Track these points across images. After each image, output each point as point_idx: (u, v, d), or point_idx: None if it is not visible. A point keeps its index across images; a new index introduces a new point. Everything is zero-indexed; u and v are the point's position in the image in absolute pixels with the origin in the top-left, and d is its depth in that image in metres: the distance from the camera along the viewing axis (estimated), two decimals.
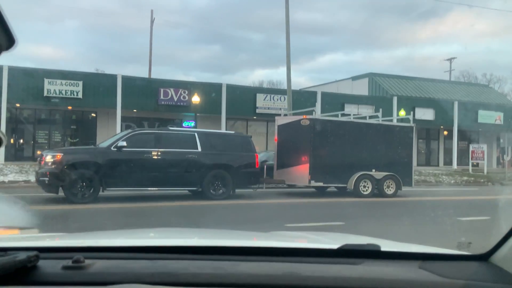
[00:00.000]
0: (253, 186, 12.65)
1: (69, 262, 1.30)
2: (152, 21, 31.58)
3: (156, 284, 1.22)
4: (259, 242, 1.86)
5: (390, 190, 13.81)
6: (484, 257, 1.42)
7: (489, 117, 30.68)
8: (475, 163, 28.21)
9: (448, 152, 31.49)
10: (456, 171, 26.53)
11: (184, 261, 1.39)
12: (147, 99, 22.22)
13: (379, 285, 1.26)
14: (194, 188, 11.74)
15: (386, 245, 1.57)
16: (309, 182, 12.93)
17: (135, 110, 22.51)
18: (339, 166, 13.26)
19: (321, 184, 13.11)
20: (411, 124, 14.85)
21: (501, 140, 27.55)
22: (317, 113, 14.25)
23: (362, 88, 31.52)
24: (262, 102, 24.68)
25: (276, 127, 14.12)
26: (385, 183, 13.78)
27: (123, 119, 21.91)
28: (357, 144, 13.63)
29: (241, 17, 74.81)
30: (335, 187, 13.85)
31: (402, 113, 24.94)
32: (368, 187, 13.52)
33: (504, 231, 1.35)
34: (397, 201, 13.06)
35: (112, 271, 1.32)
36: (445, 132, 31.56)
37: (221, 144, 12.11)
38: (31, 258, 1.26)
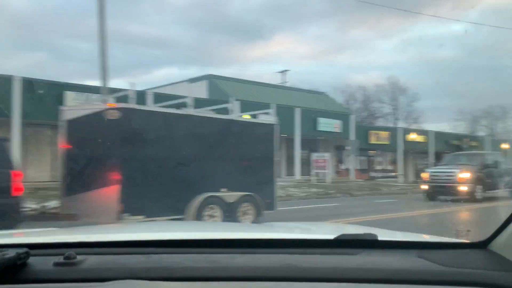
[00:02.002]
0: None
1: (60, 259, 1.25)
2: None
3: (152, 279, 1.17)
4: (255, 234, 1.82)
5: (247, 218, 9.09)
6: (482, 245, 1.38)
7: (329, 124, 29.10)
8: (317, 173, 25.99)
9: (290, 161, 28.95)
10: (301, 182, 23.70)
11: (179, 255, 1.33)
12: None
13: (377, 274, 1.20)
14: None
15: (383, 235, 1.56)
16: (120, 216, 7.33)
17: None
18: (171, 186, 8.08)
19: (140, 218, 7.58)
20: (273, 121, 10.39)
21: (346, 148, 25.96)
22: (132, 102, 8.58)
23: (200, 91, 27.04)
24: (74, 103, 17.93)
25: (63, 125, 8.15)
26: (240, 208, 9.02)
27: None
28: (200, 150, 8.68)
29: (68, 26, 65.21)
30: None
31: (246, 117, 21.04)
32: (216, 217, 8.53)
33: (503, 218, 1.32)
34: None
35: (106, 266, 1.24)
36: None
37: None
38: (20, 255, 1.18)
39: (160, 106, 9.33)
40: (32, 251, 1.24)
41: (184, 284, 1.19)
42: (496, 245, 1.34)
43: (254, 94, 27.74)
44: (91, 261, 1.26)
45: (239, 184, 9.05)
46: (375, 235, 1.43)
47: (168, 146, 8.23)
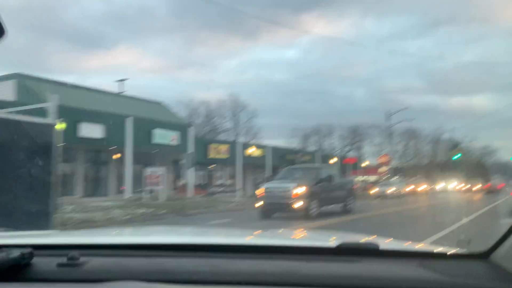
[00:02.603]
0: None
1: (64, 260, 1.25)
2: None
3: (152, 281, 1.18)
4: (257, 240, 1.85)
5: None
6: (484, 256, 1.37)
7: (165, 136, 26.53)
8: (150, 190, 23.07)
9: (120, 178, 25.45)
10: (130, 202, 20.54)
11: (181, 258, 1.33)
12: None
13: (378, 283, 1.20)
14: None
15: (385, 244, 1.57)
16: None
17: None
18: None
19: None
20: (50, 122, 7.32)
21: (181, 162, 23.53)
22: None
23: (6, 92, 21.88)
24: None
25: None
26: None
27: None
28: None
29: None
30: None
31: (62, 126, 17.17)
32: None
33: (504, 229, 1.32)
34: None
35: (108, 268, 1.26)
36: (117, 155, 25.42)
37: None
38: (24, 255, 1.20)
39: None
40: (36, 252, 1.25)
41: (184, 287, 1.19)
42: (497, 256, 1.34)
43: (77, 99, 23.54)
44: (94, 262, 1.27)
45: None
46: (376, 244, 1.43)
47: None
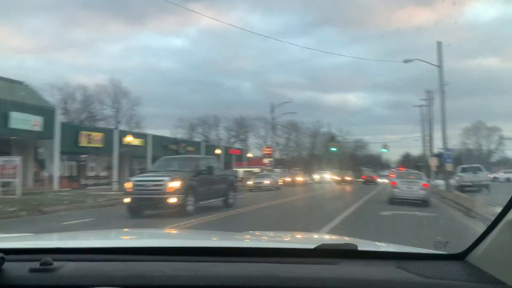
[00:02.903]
0: None
1: (36, 265, 1.22)
2: None
3: (129, 287, 1.15)
4: (236, 242, 1.81)
5: None
6: (460, 256, 1.40)
7: (25, 121, 22.81)
8: (3, 184, 19.54)
9: None
10: None
11: (158, 262, 1.30)
12: None
13: (356, 285, 1.21)
14: None
15: (364, 245, 1.54)
16: None
17: None
18: None
19: None
20: None
21: (40, 151, 20.27)
22: None
23: None
24: None
25: None
26: None
27: None
28: None
29: None
30: None
31: None
32: None
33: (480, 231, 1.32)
34: None
35: (83, 273, 1.22)
36: None
37: None
38: None
39: None
40: (8, 257, 1.20)
41: None
42: (473, 257, 1.35)
43: None
44: (68, 267, 1.24)
45: None
46: (355, 245, 1.43)
47: None
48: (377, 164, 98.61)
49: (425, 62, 25.70)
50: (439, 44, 25.36)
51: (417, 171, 22.71)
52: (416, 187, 16.35)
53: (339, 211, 12.48)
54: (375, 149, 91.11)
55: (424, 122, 48.09)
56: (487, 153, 71.64)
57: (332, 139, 73.13)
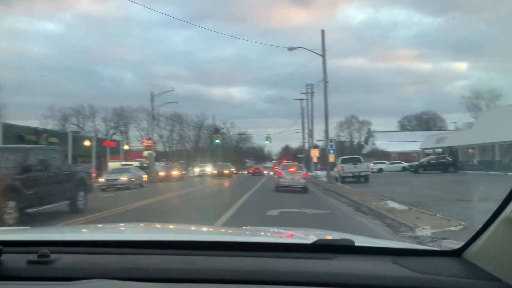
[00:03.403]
0: None
1: (34, 257, 1.22)
2: None
3: (126, 279, 1.14)
4: (233, 237, 1.82)
5: None
6: (457, 253, 1.39)
7: None
8: None
9: None
10: None
11: (155, 256, 1.30)
12: None
13: (353, 280, 1.20)
14: None
15: (360, 241, 1.55)
16: None
17: None
18: None
19: None
20: None
21: None
22: None
23: None
24: None
25: None
26: None
27: None
28: None
29: None
30: None
31: None
32: None
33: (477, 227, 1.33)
34: None
35: (80, 266, 1.23)
36: None
37: None
38: None
39: None
40: (6, 249, 1.20)
41: (158, 285, 1.15)
42: (470, 253, 1.34)
43: None
44: (65, 260, 1.24)
45: None
46: (352, 241, 1.42)
47: None
48: (260, 156, 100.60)
49: (309, 50, 24.89)
50: (322, 32, 24.73)
51: (298, 163, 25.07)
52: (298, 176, 18.43)
53: (216, 215, 9.92)
54: (258, 141, 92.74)
55: (304, 115, 49.38)
56: (358, 145, 76.56)
57: (216, 131, 71.91)
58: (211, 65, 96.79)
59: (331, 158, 24.42)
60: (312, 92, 43.96)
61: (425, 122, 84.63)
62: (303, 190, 17.83)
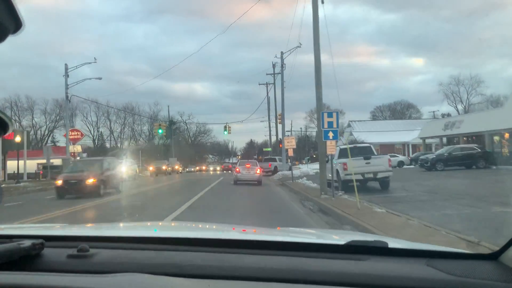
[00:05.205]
0: None
1: (74, 251, 1.26)
2: None
3: (160, 274, 1.14)
4: (265, 236, 1.81)
5: None
6: (493, 256, 1.31)
7: None
8: None
9: None
10: None
11: (189, 252, 1.32)
12: None
13: (385, 281, 1.16)
14: None
15: (393, 243, 1.52)
16: None
17: None
18: None
19: None
20: None
21: None
22: None
23: None
24: None
25: None
26: None
27: None
28: None
29: None
30: None
31: None
32: None
33: None
34: None
35: (117, 260, 1.25)
36: None
37: None
38: (36, 245, 1.20)
39: None
40: (47, 243, 1.25)
41: (191, 281, 1.14)
42: (507, 257, 1.26)
43: None
44: (103, 254, 1.26)
45: None
46: (385, 242, 1.39)
47: None
48: (224, 152, 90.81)
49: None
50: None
51: (254, 160, 27.66)
52: (253, 171, 21.70)
53: None
54: (221, 137, 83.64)
55: (271, 104, 41.52)
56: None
57: (171, 123, 60.33)
58: (172, 60, 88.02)
59: (330, 148, 13.09)
60: (280, 73, 33.31)
61: (399, 112, 76.57)
62: (258, 183, 20.95)
